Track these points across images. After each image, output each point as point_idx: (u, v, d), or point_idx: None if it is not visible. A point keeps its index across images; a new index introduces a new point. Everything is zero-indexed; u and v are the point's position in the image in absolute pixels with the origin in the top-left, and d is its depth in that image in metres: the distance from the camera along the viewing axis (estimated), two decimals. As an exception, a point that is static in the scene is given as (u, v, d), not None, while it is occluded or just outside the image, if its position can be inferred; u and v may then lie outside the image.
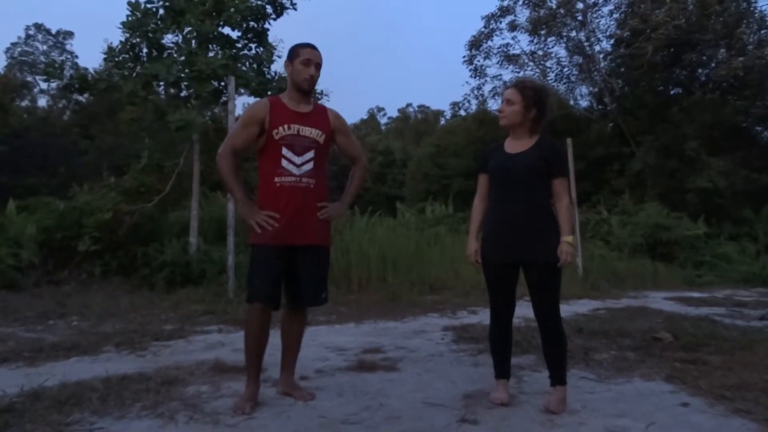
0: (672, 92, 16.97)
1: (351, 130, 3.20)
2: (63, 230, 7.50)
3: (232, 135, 2.91)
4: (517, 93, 2.87)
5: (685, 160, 14.16)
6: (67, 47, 35.94)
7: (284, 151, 2.82)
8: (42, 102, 31.67)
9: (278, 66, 8.81)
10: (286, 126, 2.84)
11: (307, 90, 2.92)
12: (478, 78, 18.98)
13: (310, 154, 2.86)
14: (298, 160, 2.83)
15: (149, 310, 5.70)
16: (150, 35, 7.96)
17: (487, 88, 19.21)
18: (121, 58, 8.05)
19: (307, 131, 2.87)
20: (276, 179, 2.81)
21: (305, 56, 2.88)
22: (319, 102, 3.21)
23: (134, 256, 7.36)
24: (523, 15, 17.68)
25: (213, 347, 4.16)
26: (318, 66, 2.91)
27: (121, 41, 7.99)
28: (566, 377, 2.85)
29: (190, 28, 7.97)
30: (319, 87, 7.85)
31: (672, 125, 14.92)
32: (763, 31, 15.52)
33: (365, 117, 50.73)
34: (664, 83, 16.73)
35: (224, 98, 8.03)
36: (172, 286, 6.79)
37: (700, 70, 16.31)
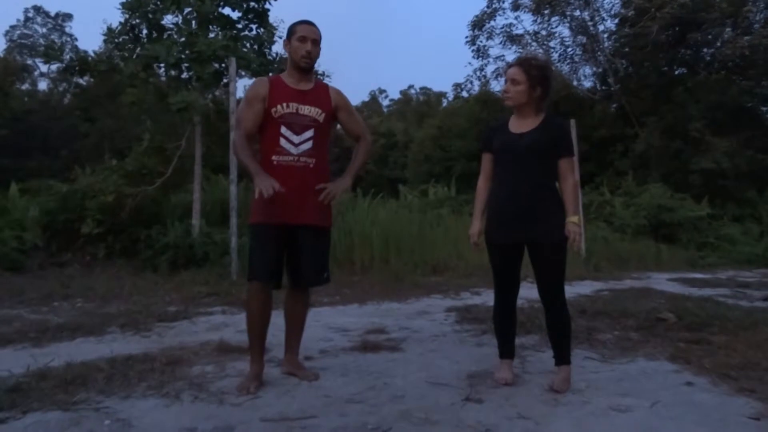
0: (677, 72, 16.83)
1: (353, 107, 3.14)
2: (66, 213, 7.50)
3: (240, 119, 2.87)
4: (522, 72, 2.81)
5: (690, 140, 14.09)
6: (67, 29, 35.73)
7: (283, 129, 2.79)
8: (42, 85, 31.55)
9: (279, 47, 8.73)
10: (284, 104, 2.81)
11: (305, 67, 2.88)
12: (480, 59, 18.90)
13: (309, 133, 2.83)
14: (296, 139, 2.80)
15: (153, 291, 5.71)
16: (150, 16, 7.87)
17: (489, 68, 19.10)
18: (121, 39, 7.96)
19: (306, 110, 2.84)
20: (273, 157, 2.79)
21: (301, 33, 2.85)
22: (322, 81, 3.16)
23: (137, 239, 7.37)
24: (526, -6, 17.50)
25: (217, 328, 4.17)
26: (315, 42, 2.87)
27: (120, 22, 7.90)
28: (570, 357, 2.85)
29: (190, 9, 7.87)
30: (320, 68, 7.77)
31: (676, 106, 14.82)
32: (769, 10, 15.34)
33: (367, 99, 50.45)
34: (668, 63, 16.58)
35: (225, 80, 7.96)
36: (176, 268, 6.80)
37: (705, 50, 16.14)
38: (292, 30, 2.88)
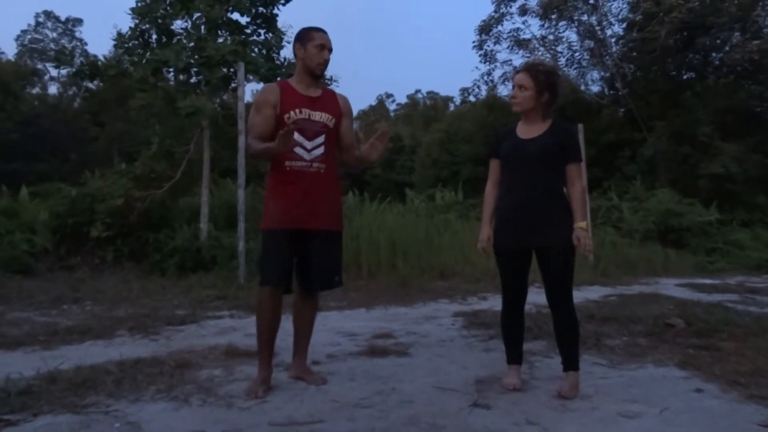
0: (685, 77, 16.74)
1: (352, 121, 3.18)
2: (75, 216, 7.55)
3: (252, 126, 2.89)
4: (529, 78, 2.82)
5: (698, 145, 14.00)
6: (77, 34, 36.07)
7: (295, 135, 2.80)
8: (53, 89, 31.85)
9: (287, 52, 8.77)
10: (297, 110, 2.84)
11: (319, 75, 2.93)
12: (488, 63, 18.84)
13: (321, 139, 2.86)
14: (308, 144, 2.83)
15: (161, 295, 5.74)
16: (159, 21, 7.93)
17: (497, 73, 19.02)
18: (130, 44, 8.03)
19: (318, 115, 2.87)
20: (287, 163, 2.82)
21: (319, 41, 2.88)
22: (328, 87, 3.20)
23: (146, 242, 7.41)
24: (533, -1, 17.48)
25: (225, 332, 4.19)
26: (330, 50, 2.92)
27: (130, 27, 7.97)
28: (579, 362, 2.84)
29: (199, 14, 7.93)
30: (327, 73, 7.85)
31: (684, 110, 14.75)
32: (779, 14, 15.23)
33: (374, 103, 50.62)
34: (676, 68, 16.51)
35: (234, 84, 8.01)
36: (184, 271, 6.83)
37: (713, 54, 16.05)
38: (308, 36, 2.90)
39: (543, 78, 2.82)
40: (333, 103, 2.97)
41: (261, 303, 2.87)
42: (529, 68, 2.89)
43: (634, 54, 16.50)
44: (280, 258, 2.82)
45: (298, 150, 2.82)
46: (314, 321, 3.10)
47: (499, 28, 18.27)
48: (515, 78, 2.90)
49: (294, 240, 2.82)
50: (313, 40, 2.87)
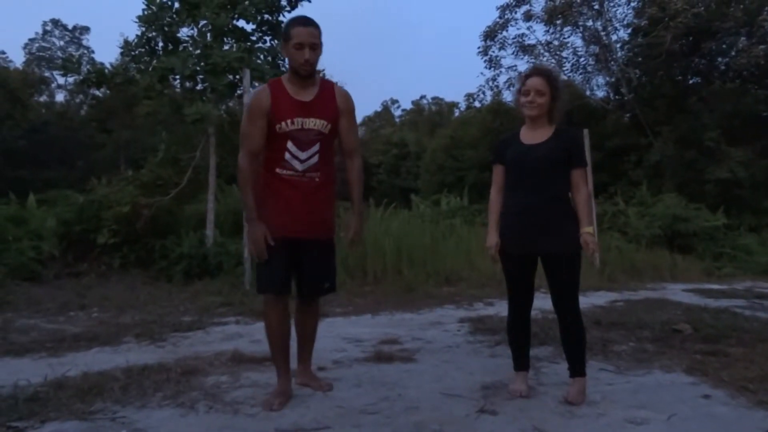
0: (691, 81, 16.70)
1: (355, 119, 2.95)
2: (82, 223, 7.59)
3: (246, 137, 2.73)
4: (545, 83, 2.81)
5: (704, 150, 13.96)
6: (84, 42, 36.35)
7: (289, 145, 2.70)
8: (60, 97, 32.11)
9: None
10: (289, 121, 2.68)
11: (305, 75, 2.71)
12: (492, 69, 18.86)
13: (315, 148, 2.73)
14: (302, 155, 2.72)
15: (167, 301, 5.75)
16: (166, 29, 7.99)
17: (502, 79, 19.04)
18: (137, 52, 8.09)
19: (312, 123, 2.71)
20: (278, 170, 2.73)
21: (297, 40, 2.64)
22: (329, 81, 2.91)
23: (152, 249, 7.43)
24: (538, 4, 17.53)
25: (231, 338, 4.19)
26: (313, 46, 2.65)
27: (137, 35, 8.03)
28: (585, 368, 2.83)
29: (205, 22, 7.99)
30: (332, 79, 7.85)
31: (691, 115, 14.71)
32: (785, 19, 15.17)
33: (379, 109, 50.66)
34: (682, 72, 16.46)
35: (239, 91, 8.05)
36: (190, 278, 6.84)
37: (720, 59, 16.01)
38: (287, 34, 2.69)
39: (557, 84, 2.85)
40: (329, 104, 2.77)
41: (267, 312, 2.83)
42: (544, 73, 2.86)
43: (640, 59, 16.48)
44: (277, 263, 2.74)
45: (291, 160, 2.71)
46: (317, 327, 3.07)
47: (504, 33, 18.32)
48: (531, 82, 2.82)
49: (288, 246, 2.75)
50: (291, 39, 2.65)
